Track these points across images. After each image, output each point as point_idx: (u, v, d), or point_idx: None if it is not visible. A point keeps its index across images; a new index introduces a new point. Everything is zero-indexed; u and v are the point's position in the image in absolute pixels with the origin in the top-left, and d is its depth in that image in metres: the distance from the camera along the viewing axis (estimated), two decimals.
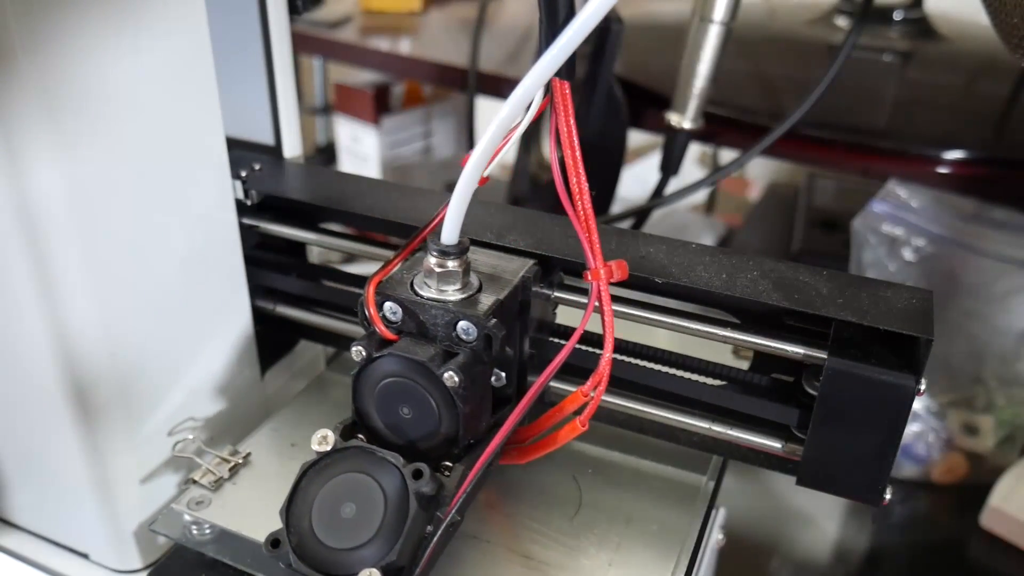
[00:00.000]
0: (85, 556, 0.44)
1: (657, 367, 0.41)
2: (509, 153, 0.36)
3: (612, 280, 0.32)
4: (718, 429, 0.39)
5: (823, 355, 0.35)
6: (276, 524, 0.32)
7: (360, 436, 0.35)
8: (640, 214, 0.71)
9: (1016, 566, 0.63)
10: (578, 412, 0.34)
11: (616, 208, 0.80)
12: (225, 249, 0.45)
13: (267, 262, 0.48)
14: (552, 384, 0.41)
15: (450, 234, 0.34)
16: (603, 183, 0.75)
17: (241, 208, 0.45)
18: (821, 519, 0.69)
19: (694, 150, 1.02)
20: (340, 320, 0.47)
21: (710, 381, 0.40)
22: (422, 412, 0.34)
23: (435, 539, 0.32)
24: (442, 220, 0.34)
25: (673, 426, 0.41)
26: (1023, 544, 0.64)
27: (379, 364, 0.34)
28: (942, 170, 0.69)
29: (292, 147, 0.50)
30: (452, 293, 0.34)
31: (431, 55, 0.96)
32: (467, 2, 1.18)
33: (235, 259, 0.45)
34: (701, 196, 1.17)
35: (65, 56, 0.33)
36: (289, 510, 0.32)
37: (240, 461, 0.42)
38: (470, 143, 0.98)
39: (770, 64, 0.84)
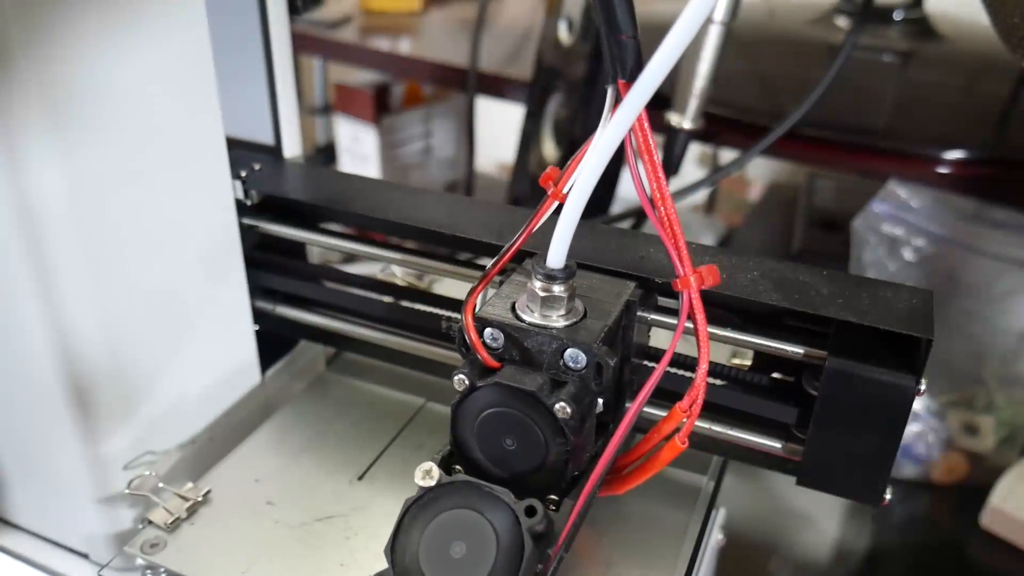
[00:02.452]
0: (85, 556, 0.44)
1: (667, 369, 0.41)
2: (509, 153, 0.35)
3: (703, 287, 0.31)
4: (718, 429, 0.39)
5: (823, 355, 0.35)
6: (235, 570, 0.30)
7: (458, 467, 0.34)
8: (640, 214, 0.71)
9: (1016, 566, 0.63)
10: (675, 431, 0.33)
11: (616, 208, 0.80)
12: (225, 249, 0.45)
13: (267, 262, 0.48)
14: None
15: (557, 257, 0.32)
16: (603, 183, 0.75)
17: (241, 208, 0.45)
18: (821, 519, 0.69)
19: (694, 150, 1.01)
20: (340, 320, 0.47)
21: (710, 381, 0.40)
22: (527, 443, 0.32)
23: None
24: (522, 243, 0.33)
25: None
26: (1023, 544, 0.64)
27: (482, 393, 0.32)
28: (942, 170, 0.69)
29: (292, 147, 0.50)
30: (557, 319, 0.33)
31: (431, 55, 0.96)
32: (467, 2, 1.18)
33: (235, 259, 0.45)
34: (701, 196, 1.17)
35: (65, 56, 0.33)
36: (394, 548, 0.31)
37: (199, 499, 0.40)
38: (470, 143, 0.98)
39: (770, 64, 0.84)
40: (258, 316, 0.48)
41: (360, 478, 0.42)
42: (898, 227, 0.70)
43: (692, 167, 1.19)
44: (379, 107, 1.07)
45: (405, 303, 0.45)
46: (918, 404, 0.62)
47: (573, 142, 0.72)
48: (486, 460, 0.33)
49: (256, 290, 0.48)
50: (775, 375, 0.39)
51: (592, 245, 0.39)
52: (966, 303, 0.69)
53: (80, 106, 0.34)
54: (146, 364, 0.41)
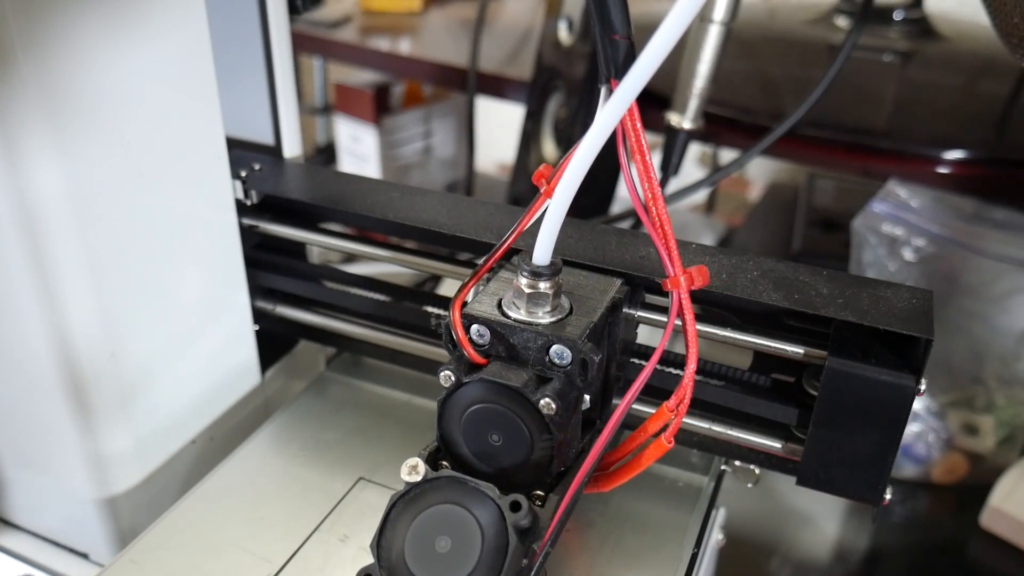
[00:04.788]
0: (85, 556, 0.44)
1: (656, 367, 0.41)
2: (509, 153, 0.36)
3: (693, 287, 0.31)
4: (718, 429, 0.39)
5: (823, 355, 0.35)
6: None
7: (444, 463, 0.34)
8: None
9: (1016, 566, 0.63)
10: (662, 430, 0.33)
11: (616, 208, 0.80)
12: (225, 249, 0.45)
13: (267, 262, 0.48)
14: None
15: (543, 254, 0.32)
16: (603, 183, 0.75)
17: (241, 208, 0.45)
18: (821, 519, 0.69)
19: (694, 150, 1.02)
20: (340, 320, 0.47)
21: (710, 381, 0.40)
22: (513, 439, 0.32)
23: (533, 572, 0.31)
24: (515, 240, 0.33)
25: None
26: (1023, 544, 0.64)
27: (468, 389, 0.33)
28: (942, 170, 0.69)
29: (292, 147, 0.50)
30: (543, 315, 0.33)
31: (431, 55, 0.97)
32: (467, 2, 1.18)
33: (235, 259, 0.45)
34: (701, 196, 1.17)
35: (65, 56, 0.33)
36: (380, 543, 0.31)
37: None
38: (470, 143, 0.98)
39: (770, 64, 0.84)
40: (258, 316, 0.48)
41: (361, 479, 0.42)
42: (898, 227, 0.70)
43: (692, 167, 1.19)
44: (379, 107, 1.07)
45: (406, 303, 0.45)
46: (918, 404, 0.62)
47: (573, 142, 0.72)
48: (472, 456, 0.34)
49: (256, 290, 0.48)
50: (775, 375, 0.39)
51: (592, 245, 0.39)
52: (966, 303, 0.69)
53: (80, 106, 0.34)
54: (146, 364, 0.41)
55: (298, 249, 0.50)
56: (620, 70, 0.29)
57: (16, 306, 0.37)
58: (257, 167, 0.47)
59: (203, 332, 0.44)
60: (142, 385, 0.41)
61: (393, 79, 1.09)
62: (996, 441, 0.70)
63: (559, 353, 0.32)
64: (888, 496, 0.36)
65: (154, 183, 0.39)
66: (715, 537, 0.43)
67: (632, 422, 0.35)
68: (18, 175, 0.34)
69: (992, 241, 0.69)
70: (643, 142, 0.30)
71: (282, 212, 0.46)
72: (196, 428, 0.45)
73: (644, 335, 0.41)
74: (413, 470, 0.31)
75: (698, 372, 0.40)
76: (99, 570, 0.37)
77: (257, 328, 0.48)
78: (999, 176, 0.68)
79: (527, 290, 0.33)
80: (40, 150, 0.34)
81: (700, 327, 0.38)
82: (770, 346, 0.37)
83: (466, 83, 0.90)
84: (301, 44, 1.06)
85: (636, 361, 0.40)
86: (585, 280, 0.36)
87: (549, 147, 0.84)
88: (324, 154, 1.26)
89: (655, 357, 0.32)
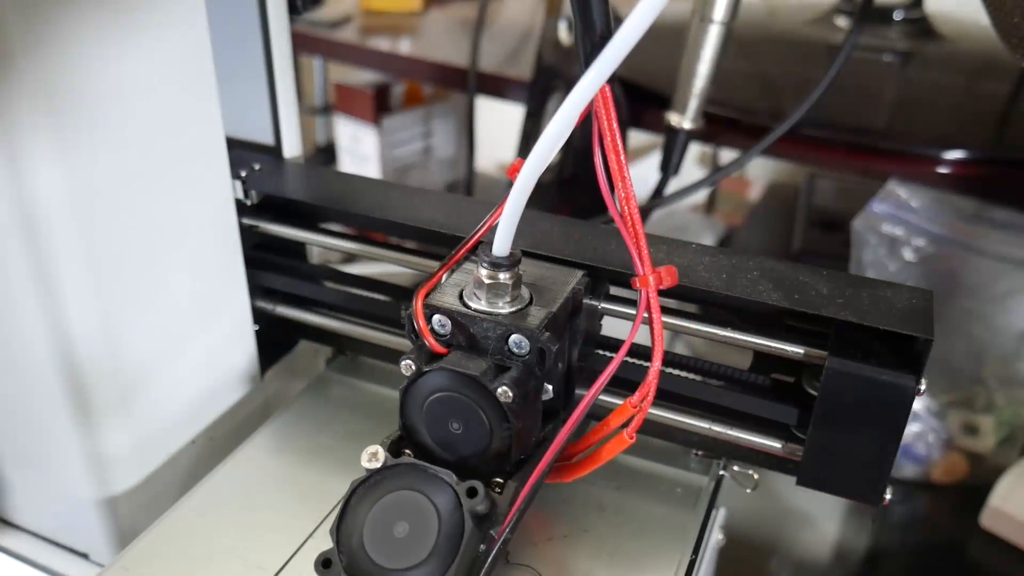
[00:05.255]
0: (85, 556, 0.44)
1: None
2: (509, 153, 0.36)
3: (661, 287, 0.31)
4: (718, 429, 0.39)
5: (823, 355, 0.35)
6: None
7: (407, 451, 0.34)
8: (640, 214, 0.71)
9: (1016, 566, 0.63)
10: (625, 425, 0.33)
11: None
12: (225, 249, 0.45)
13: (267, 262, 0.48)
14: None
15: (502, 246, 0.33)
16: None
17: (241, 208, 0.45)
18: (821, 519, 0.69)
19: (694, 150, 1.01)
20: (340, 320, 0.47)
21: (710, 381, 0.40)
22: (473, 427, 0.33)
23: (490, 558, 0.31)
24: (486, 231, 0.33)
25: (673, 426, 0.41)
26: (1023, 544, 0.64)
27: (429, 378, 0.33)
28: (942, 170, 0.69)
29: (292, 147, 0.50)
30: (503, 306, 0.33)
31: (431, 55, 0.96)
32: (467, 2, 1.18)
33: (235, 259, 0.45)
34: (701, 196, 1.17)
35: (65, 56, 0.33)
36: (340, 528, 0.31)
37: None
38: (470, 143, 0.98)
39: (770, 64, 0.84)
40: (258, 316, 0.48)
41: None
42: (898, 227, 0.70)
43: (692, 167, 1.19)
44: (379, 107, 1.07)
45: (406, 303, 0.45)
46: (918, 404, 0.62)
47: (572, 142, 0.72)
48: (434, 444, 0.34)
49: (256, 290, 0.48)
50: (775, 375, 0.39)
51: (593, 244, 0.39)
52: (966, 303, 0.69)
53: (80, 106, 0.34)
54: (146, 364, 0.41)
55: (298, 249, 0.50)
56: None
57: (16, 306, 0.37)
58: (257, 167, 0.47)
59: (203, 332, 0.44)
60: (142, 385, 0.41)
61: (393, 79, 1.09)
62: (996, 441, 0.70)
63: (518, 342, 0.33)
64: (888, 496, 0.36)
65: (154, 183, 0.39)
66: (715, 537, 0.43)
67: (601, 413, 0.35)
68: (18, 175, 0.34)
69: (992, 241, 0.69)
70: (618, 142, 0.30)
71: (282, 212, 0.46)
72: (196, 428, 0.45)
73: (642, 334, 0.41)
74: (373, 457, 0.32)
75: (698, 372, 0.40)
76: (99, 570, 0.37)
77: (257, 328, 0.48)
78: (999, 176, 0.68)
79: (487, 281, 0.33)
80: (40, 150, 0.34)
81: (700, 327, 0.38)
82: (770, 346, 0.37)
83: (466, 83, 0.90)
84: (301, 44, 1.06)
85: (604, 353, 0.40)
86: (547, 272, 0.37)
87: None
88: (324, 154, 1.26)
89: (622, 351, 0.33)
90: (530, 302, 0.34)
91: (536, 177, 0.31)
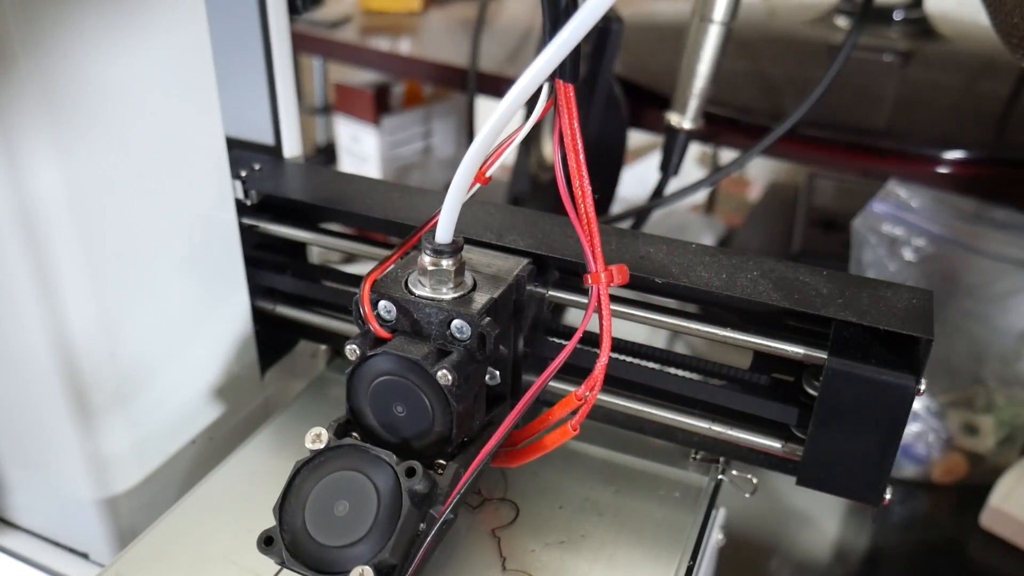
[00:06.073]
0: (85, 556, 0.44)
1: (657, 367, 0.41)
2: (509, 153, 0.36)
3: (612, 284, 0.32)
4: (718, 429, 0.39)
5: (823, 355, 0.35)
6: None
7: (354, 434, 0.35)
8: (640, 214, 0.71)
9: (1016, 566, 0.63)
10: (572, 415, 0.34)
11: (616, 208, 0.80)
12: (225, 249, 0.45)
13: (267, 262, 0.48)
14: (551, 384, 0.41)
15: (444, 233, 0.34)
16: (603, 183, 0.75)
17: (241, 208, 0.45)
18: (821, 519, 0.69)
19: (694, 150, 1.02)
20: (340, 320, 0.47)
21: (710, 381, 0.40)
22: (416, 410, 0.34)
23: (429, 537, 0.32)
24: (434, 223, 0.34)
25: (673, 426, 0.41)
26: (1023, 544, 0.64)
27: (373, 362, 0.34)
28: (942, 170, 0.69)
29: (292, 147, 0.50)
30: (446, 292, 0.34)
31: (431, 55, 0.96)
32: (467, 2, 1.18)
33: (235, 259, 0.45)
34: (701, 196, 1.17)
35: (65, 56, 0.33)
36: (283, 508, 0.32)
37: None
38: (470, 143, 0.98)
39: (770, 64, 0.84)
40: (258, 316, 0.48)
41: None
42: (898, 227, 0.70)
43: (692, 167, 1.19)
44: (379, 107, 1.07)
45: None
46: (918, 404, 0.62)
47: None
48: (379, 427, 0.35)
49: (256, 290, 0.48)
50: (775, 375, 0.39)
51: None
52: (966, 303, 0.69)
53: (80, 106, 0.34)
54: (146, 364, 0.41)
55: (298, 249, 0.50)
56: (569, 73, 0.30)
57: (16, 306, 0.37)
58: (257, 167, 0.47)
59: (203, 332, 0.44)
60: (142, 385, 0.41)
61: (393, 79, 1.09)
62: (996, 441, 0.70)
63: (459, 328, 0.34)
64: (888, 496, 0.36)
65: (154, 183, 0.39)
66: (715, 537, 0.43)
67: (556, 401, 0.35)
68: (18, 175, 0.34)
69: (992, 241, 0.69)
70: (577, 140, 0.31)
71: (282, 212, 0.46)
72: (196, 428, 0.45)
73: (643, 333, 0.41)
74: (316, 438, 0.33)
75: (698, 372, 0.40)
76: (99, 570, 0.37)
77: (257, 328, 0.48)
78: (999, 176, 0.68)
79: (430, 267, 0.34)
80: (40, 150, 0.34)
81: (700, 327, 0.38)
82: (770, 346, 0.37)
83: (466, 83, 0.90)
84: (301, 44, 1.06)
85: (558, 341, 0.41)
86: (493, 260, 0.38)
87: (549, 147, 0.84)
88: (324, 154, 1.26)
89: (573, 341, 0.33)
90: (473, 288, 0.35)
91: (477, 165, 0.32)
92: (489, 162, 0.33)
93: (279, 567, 0.37)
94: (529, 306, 0.38)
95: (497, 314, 0.35)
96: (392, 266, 0.36)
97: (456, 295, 0.34)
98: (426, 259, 0.34)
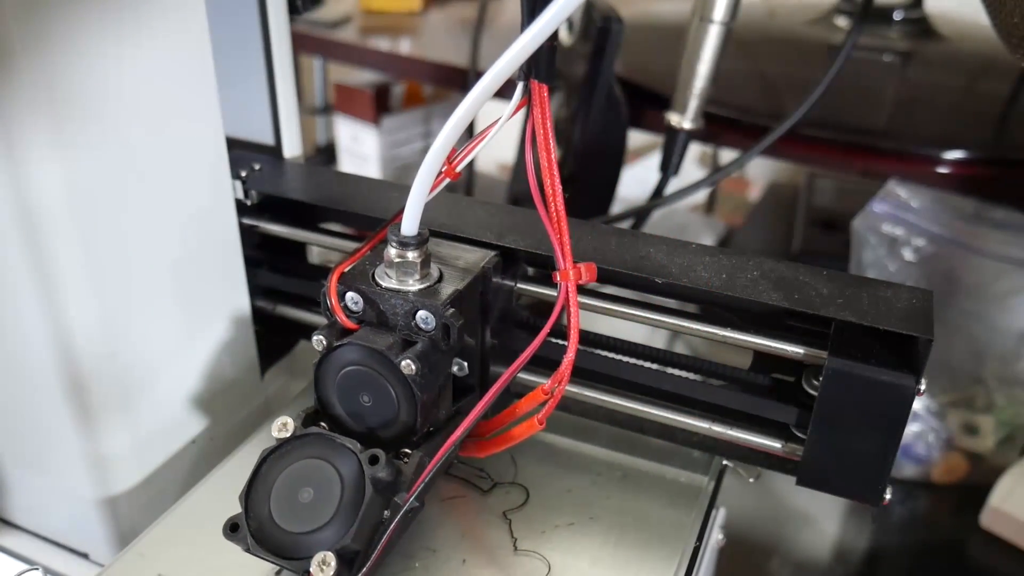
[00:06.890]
0: (85, 556, 0.44)
1: (657, 367, 0.41)
2: (509, 153, 0.36)
3: (580, 282, 0.33)
4: (718, 429, 0.39)
5: (823, 355, 0.35)
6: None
7: (322, 424, 0.36)
8: (640, 214, 0.71)
9: (1016, 566, 0.63)
10: (540, 408, 0.34)
11: (616, 208, 0.80)
12: (225, 249, 0.44)
13: (267, 262, 0.48)
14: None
15: (410, 225, 0.34)
16: (603, 183, 0.75)
17: (241, 208, 0.45)
18: (821, 519, 0.69)
19: (694, 150, 1.01)
20: None
21: (710, 381, 0.40)
22: (381, 400, 0.35)
23: (392, 524, 0.32)
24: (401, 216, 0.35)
25: (673, 426, 0.41)
26: (1023, 544, 0.64)
27: (339, 353, 0.35)
28: (942, 170, 0.69)
29: (292, 147, 0.50)
30: (412, 283, 0.35)
31: (431, 55, 0.96)
32: (467, 2, 1.18)
33: (235, 259, 0.45)
34: (701, 196, 1.17)
35: (65, 56, 0.33)
36: (248, 495, 0.33)
37: None
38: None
39: (770, 64, 0.84)
40: (258, 316, 0.48)
41: None
42: (898, 227, 0.70)
43: (692, 167, 1.19)
44: (379, 107, 1.07)
45: None
46: (918, 404, 0.62)
47: (573, 141, 0.72)
48: (347, 417, 0.36)
49: (256, 290, 0.48)
50: (775, 375, 0.39)
51: (593, 245, 0.39)
52: (966, 303, 0.69)
53: (80, 106, 0.34)
54: (146, 364, 0.41)
55: (298, 249, 0.50)
56: (544, 72, 0.31)
57: (16, 306, 0.37)
58: (257, 167, 0.47)
59: (203, 332, 0.44)
60: (142, 385, 0.41)
61: (393, 79, 1.09)
62: (996, 441, 0.70)
63: (424, 318, 0.34)
64: (888, 496, 0.36)
65: (154, 183, 0.39)
66: (715, 537, 0.43)
67: (526, 393, 0.36)
68: (18, 175, 0.34)
69: (992, 241, 0.69)
70: (550, 139, 0.32)
71: (282, 212, 0.46)
72: (196, 428, 0.45)
73: (643, 333, 0.41)
74: (283, 427, 0.33)
75: (698, 372, 0.40)
76: (99, 570, 0.37)
77: (257, 328, 0.48)
78: (999, 176, 0.68)
79: (396, 259, 0.35)
80: (40, 150, 0.34)
81: (700, 327, 0.38)
82: (770, 346, 0.37)
83: (466, 83, 0.90)
84: (301, 44, 1.06)
85: (527, 334, 0.41)
86: (461, 252, 0.38)
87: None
88: (324, 154, 1.26)
89: (540, 336, 0.34)
90: (439, 280, 0.36)
91: (441, 159, 0.32)
92: (461, 157, 0.34)
93: (279, 568, 0.37)
94: (498, 298, 0.39)
95: (462, 305, 0.35)
96: (362, 259, 0.37)
97: (422, 287, 0.35)
98: (392, 251, 0.35)
